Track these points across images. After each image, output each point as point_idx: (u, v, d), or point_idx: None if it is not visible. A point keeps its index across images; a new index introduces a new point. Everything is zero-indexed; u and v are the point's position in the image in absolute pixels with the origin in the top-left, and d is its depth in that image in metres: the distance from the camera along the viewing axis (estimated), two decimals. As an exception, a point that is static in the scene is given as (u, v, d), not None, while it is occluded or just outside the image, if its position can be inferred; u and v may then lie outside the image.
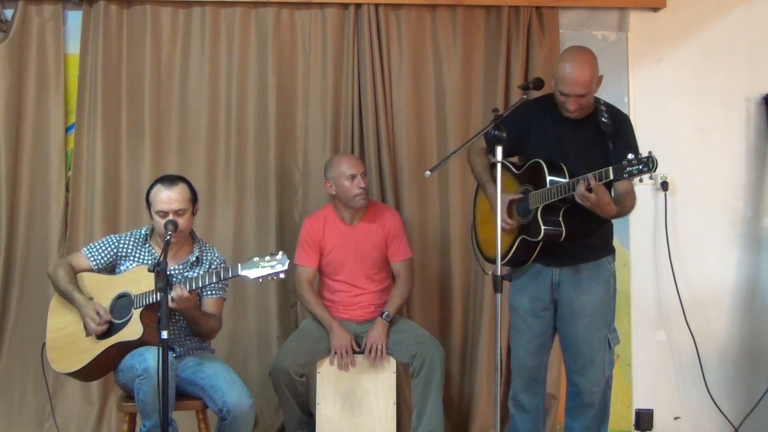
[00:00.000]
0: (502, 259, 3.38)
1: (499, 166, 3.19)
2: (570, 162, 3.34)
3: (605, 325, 3.47)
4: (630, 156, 3.07)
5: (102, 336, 3.50)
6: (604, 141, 3.34)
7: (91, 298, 3.55)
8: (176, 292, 3.37)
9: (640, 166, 3.04)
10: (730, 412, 4.51)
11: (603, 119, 3.38)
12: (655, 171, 3.04)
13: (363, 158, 4.41)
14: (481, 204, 3.71)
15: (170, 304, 3.26)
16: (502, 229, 3.24)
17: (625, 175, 3.09)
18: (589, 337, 3.46)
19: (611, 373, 3.53)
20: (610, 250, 3.54)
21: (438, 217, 4.51)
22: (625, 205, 3.39)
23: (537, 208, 3.37)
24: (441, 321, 4.51)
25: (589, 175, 3.18)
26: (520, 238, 3.45)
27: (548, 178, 3.35)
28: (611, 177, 3.13)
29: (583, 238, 3.44)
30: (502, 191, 3.36)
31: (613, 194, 3.37)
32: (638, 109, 4.46)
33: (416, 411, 3.97)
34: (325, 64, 4.45)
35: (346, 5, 4.43)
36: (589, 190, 3.16)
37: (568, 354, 3.55)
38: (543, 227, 3.35)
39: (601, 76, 3.39)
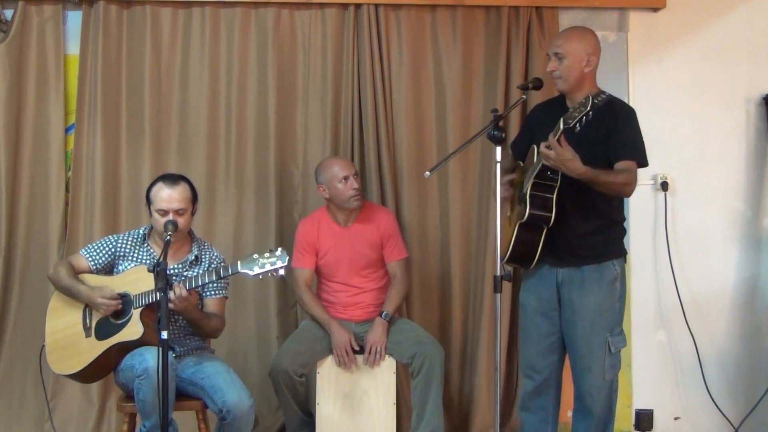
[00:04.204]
0: (507, 253, 3.41)
1: (498, 166, 3.21)
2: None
3: (606, 329, 3.43)
4: (576, 104, 3.13)
5: (102, 336, 3.50)
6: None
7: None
8: (175, 291, 3.37)
9: (581, 108, 3.09)
10: (730, 412, 4.51)
11: (596, 102, 3.38)
12: (590, 110, 3.07)
13: (363, 158, 4.42)
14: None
15: (169, 304, 3.27)
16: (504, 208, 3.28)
17: (570, 122, 3.11)
18: (589, 340, 3.42)
19: (615, 377, 3.49)
20: (617, 254, 3.49)
21: (438, 217, 4.51)
22: (610, 175, 3.31)
23: (527, 189, 3.36)
24: (441, 321, 4.51)
25: (550, 135, 3.21)
26: (517, 224, 3.43)
27: (536, 158, 3.36)
28: (561, 127, 3.15)
29: (586, 238, 3.42)
30: (512, 180, 3.46)
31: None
32: (638, 109, 4.42)
33: (416, 411, 3.97)
34: (325, 64, 4.45)
35: (346, 5, 4.43)
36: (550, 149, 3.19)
37: (570, 356, 3.53)
38: (529, 205, 3.33)
39: (595, 58, 3.43)
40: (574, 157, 3.20)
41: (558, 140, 3.17)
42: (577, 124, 3.11)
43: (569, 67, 3.41)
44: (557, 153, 3.17)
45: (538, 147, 3.36)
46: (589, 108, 3.06)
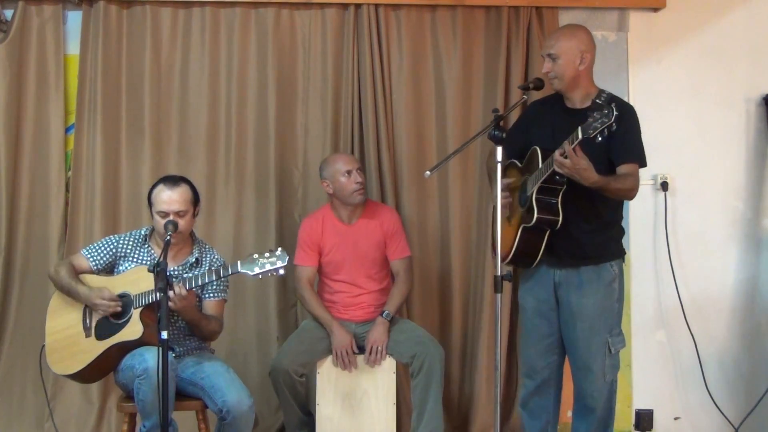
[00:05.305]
0: (510, 255, 3.40)
1: (499, 166, 3.20)
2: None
3: (606, 330, 3.43)
4: (595, 113, 3.07)
5: (102, 336, 3.50)
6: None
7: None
8: (175, 290, 3.37)
9: (603, 119, 3.03)
10: (730, 412, 4.51)
11: (598, 102, 3.36)
12: (614, 120, 3.02)
13: (363, 158, 4.42)
14: None
15: (169, 303, 3.26)
16: (502, 213, 3.26)
17: (591, 132, 3.06)
18: (588, 341, 3.43)
19: (615, 378, 3.49)
20: (615, 255, 3.49)
21: (438, 217, 4.51)
22: (619, 181, 3.32)
23: (532, 193, 3.35)
24: (441, 321, 4.51)
25: (565, 142, 3.18)
26: (521, 227, 3.42)
27: (541, 162, 3.34)
28: (580, 137, 3.10)
29: (585, 239, 3.42)
30: (509, 184, 3.40)
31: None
32: (638, 109, 4.43)
33: (416, 411, 3.97)
34: (325, 64, 4.45)
35: (346, 5, 4.43)
36: (566, 157, 3.16)
37: (569, 357, 3.53)
38: (536, 209, 3.33)
39: (589, 55, 3.41)
40: (589, 166, 3.19)
41: (573, 149, 3.15)
42: (599, 136, 3.07)
43: (563, 66, 3.40)
44: (573, 162, 3.16)
45: (540, 149, 3.36)
46: (613, 120, 3.02)
